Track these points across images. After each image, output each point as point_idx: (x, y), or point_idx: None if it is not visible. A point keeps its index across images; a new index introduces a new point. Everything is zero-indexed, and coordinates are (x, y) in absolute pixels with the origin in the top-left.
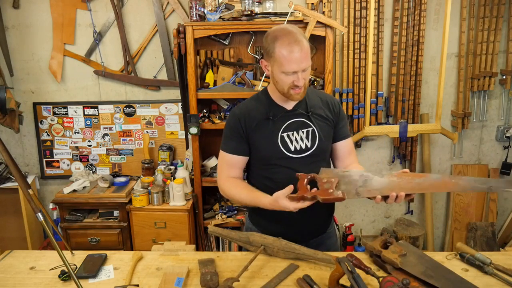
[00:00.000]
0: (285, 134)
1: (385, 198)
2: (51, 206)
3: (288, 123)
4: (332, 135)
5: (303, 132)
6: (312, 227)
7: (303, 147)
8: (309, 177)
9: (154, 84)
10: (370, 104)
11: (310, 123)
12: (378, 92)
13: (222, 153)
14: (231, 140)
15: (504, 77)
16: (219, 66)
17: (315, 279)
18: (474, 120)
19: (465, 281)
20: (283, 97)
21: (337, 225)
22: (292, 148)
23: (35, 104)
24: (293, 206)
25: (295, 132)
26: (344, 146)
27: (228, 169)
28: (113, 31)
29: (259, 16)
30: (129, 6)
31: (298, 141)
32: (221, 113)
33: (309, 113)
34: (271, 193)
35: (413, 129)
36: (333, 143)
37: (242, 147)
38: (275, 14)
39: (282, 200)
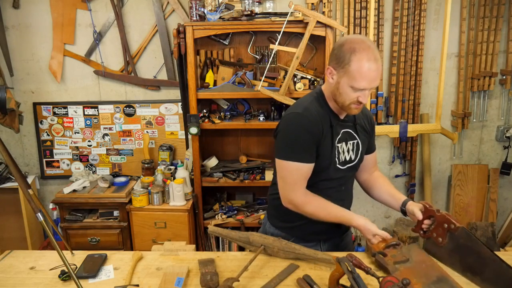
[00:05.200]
0: (339, 145)
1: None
2: (51, 206)
3: (341, 132)
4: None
5: (350, 144)
6: (338, 227)
7: (347, 158)
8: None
9: (154, 84)
10: (370, 104)
11: (356, 135)
12: (378, 92)
13: (296, 165)
14: (305, 149)
15: (504, 77)
16: (219, 66)
17: (315, 279)
18: (474, 120)
19: None
20: (337, 105)
21: None
22: (341, 159)
23: (35, 104)
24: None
25: (343, 143)
26: (372, 158)
27: (304, 182)
28: (113, 31)
29: (259, 16)
30: (129, 6)
31: (345, 152)
32: (221, 113)
33: (356, 125)
34: None
35: (413, 129)
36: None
37: (314, 154)
38: (275, 14)
39: (374, 230)
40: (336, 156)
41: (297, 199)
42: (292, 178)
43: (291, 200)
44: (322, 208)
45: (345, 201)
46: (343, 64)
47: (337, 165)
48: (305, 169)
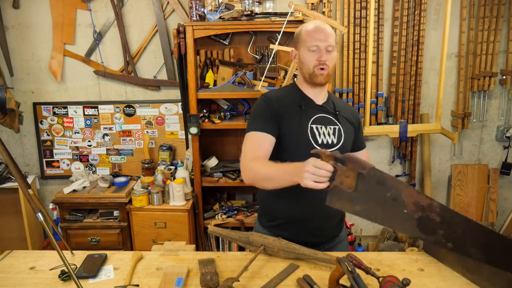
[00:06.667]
0: (314, 126)
1: None
2: (51, 206)
3: (317, 115)
4: (353, 139)
5: (330, 128)
6: (326, 232)
7: (329, 142)
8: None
9: (154, 84)
10: (370, 104)
11: (337, 122)
12: (378, 92)
13: (249, 134)
14: (262, 119)
15: (504, 77)
16: (219, 66)
17: (315, 279)
18: (474, 120)
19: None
20: (312, 89)
21: (348, 228)
22: (320, 141)
23: (35, 104)
24: (311, 170)
25: (323, 127)
26: (363, 156)
27: (257, 150)
28: (113, 31)
29: (259, 16)
30: (129, 6)
31: (325, 135)
32: (221, 113)
33: (337, 113)
34: (291, 191)
35: (413, 129)
36: (353, 152)
37: (273, 127)
38: (275, 14)
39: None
40: (311, 136)
41: (243, 163)
42: (245, 146)
43: (242, 164)
44: (265, 163)
45: None
46: (298, 38)
47: (316, 146)
48: (256, 137)
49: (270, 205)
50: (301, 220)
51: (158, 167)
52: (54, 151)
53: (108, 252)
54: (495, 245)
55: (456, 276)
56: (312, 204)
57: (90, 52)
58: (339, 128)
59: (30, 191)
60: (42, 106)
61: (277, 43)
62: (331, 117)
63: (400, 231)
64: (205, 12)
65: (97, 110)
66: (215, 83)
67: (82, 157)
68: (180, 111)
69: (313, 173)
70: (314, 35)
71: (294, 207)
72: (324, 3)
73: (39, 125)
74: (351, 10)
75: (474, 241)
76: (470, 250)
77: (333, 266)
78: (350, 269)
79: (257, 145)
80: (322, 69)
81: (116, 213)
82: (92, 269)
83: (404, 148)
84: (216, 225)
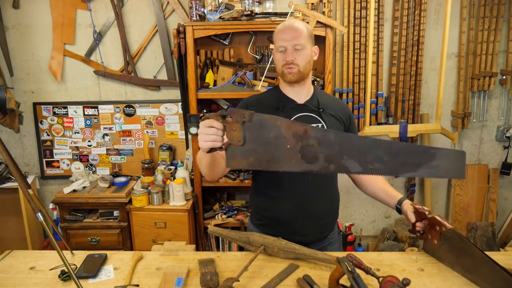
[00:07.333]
0: None
1: None
2: (51, 206)
3: (297, 115)
4: None
5: None
6: (313, 231)
7: None
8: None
9: (154, 84)
10: (370, 104)
11: (321, 119)
12: (378, 92)
13: None
14: None
15: (504, 77)
16: (219, 66)
17: (315, 279)
18: (474, 120)
19: None
20: (291, 88)
21: (340, 231)
22: None
23: (35, 104)
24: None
25: None
26: None
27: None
28: (113, 31)
29: (259, 16)
30: (129, 6)
31: None
32: None
33: (320, 110)
34: (273, 189)
35: (413, 129)
36: None
37: None
38: (275, 14)
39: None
40: None
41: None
42: None
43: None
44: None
45: (316, 194)
46: (273, 41)
47: None
48: None
49: (257, 203)
50: (285, 219)
51: (158, 167)
52: (54, 151)
53: (108, 252)
54: (367, 150)
55: (456, 276)
56: (295, 204)
57: (90, 52)
58: (322, 126)
59: (30, 191)
60: (42, 106)
61: None
62: (313, 115)
63: (289, 169)
64: (205, 12)
65: (97, 110)
66: (215, 83)
67: (82, 157)
68: (180, 111)
69: (205, 134)
70: (280, 36)
71: (277, 206)
72: (324, 3)
73: (39, 125)
74: (351, 10)
75: (349, 152)
76: (347, 164)
77: (333, 266)
78: (350, 269)
79: None
80: (290, 67)
81: (116, 213)
82: (92, 269)
83: None
84: (216, 225)
